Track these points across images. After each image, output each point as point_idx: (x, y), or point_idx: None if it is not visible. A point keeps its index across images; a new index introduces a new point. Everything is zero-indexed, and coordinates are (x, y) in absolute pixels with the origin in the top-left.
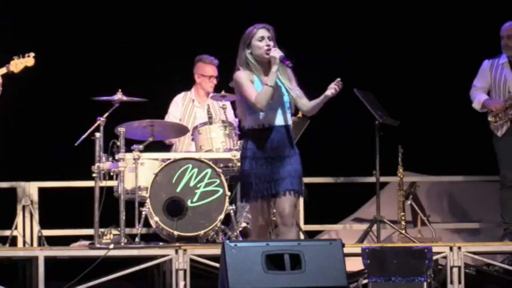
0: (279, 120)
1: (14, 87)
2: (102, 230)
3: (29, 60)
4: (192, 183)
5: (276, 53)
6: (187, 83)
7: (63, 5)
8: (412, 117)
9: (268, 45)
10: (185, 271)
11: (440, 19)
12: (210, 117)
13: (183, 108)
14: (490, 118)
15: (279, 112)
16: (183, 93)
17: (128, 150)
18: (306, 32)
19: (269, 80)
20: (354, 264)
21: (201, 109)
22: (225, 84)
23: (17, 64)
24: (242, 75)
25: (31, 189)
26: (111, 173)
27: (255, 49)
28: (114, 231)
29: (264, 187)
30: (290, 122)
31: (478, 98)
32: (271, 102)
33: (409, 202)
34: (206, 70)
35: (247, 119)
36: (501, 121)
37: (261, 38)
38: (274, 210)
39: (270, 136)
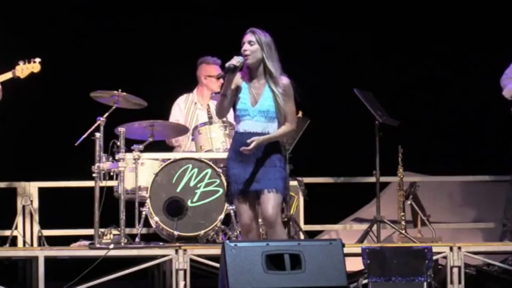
0: (255, 127)
1: (14, 87)
2: (102, 230)
3: (35, 66)
4: (192, 183)
5: (230, 61)
6: (188, 85)
7: (63, 5)
8: (412, 117)
9: (244, 50)
10: (185, 271)
11: (440, 19)
12: (210, 117)
13: (186, 110)
14: None
15: (256, 119)
16: (184, 95)
17: (128, 150)
18: (306, 32)
19: (222, 88)
20: (354, 264)
21: (204, 111)
22: None
23: (23, 70)
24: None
25: (31, 189)
26: (111, 173)
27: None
28: (114, 231)
29: (237, 187)
30: (270, 130)
31: (509, 87)
32: (251, 107)
33: (409, 202)
34: (211, 70)
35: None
36: None
37: (243, 43)
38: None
39: (244, 141)
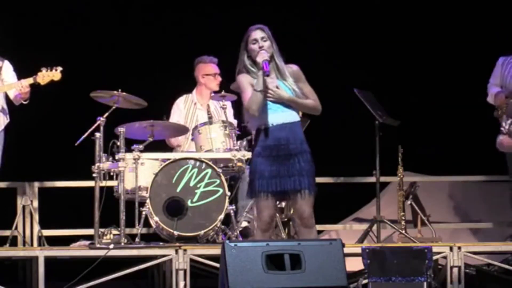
0: (281, 118)
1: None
2: (102, 230)
3: (56, 74)
4: (192, 183)
5: (260, 57)
6: (188, 85)
7: (63, 6)
8: (412, 117)
9: (260, 47)
10: (185, 271)
11: (440, 19)
12: (210, 117)
13: (185, 111)
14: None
15: (281, 110)
16: (184, 96)
17: (128, 150)
18: (306, 33)
19: (257, 84)
20: (354, 264)
21: (203, 112)
22: (225, 84)
23: (44, 77)
24: (241, 79)
25: (31, 189)
26: (111, 173)
27: (251, 52)
28: (114, 231)
29: (267, 183)
30: (295, 119)
31: (491, 92)
32: (270, 101)
33: (409, 202)
34: (209, 69)
35: (252, 119)
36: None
37: (255, 40)
38: (291, 211)
39: (274, 135)
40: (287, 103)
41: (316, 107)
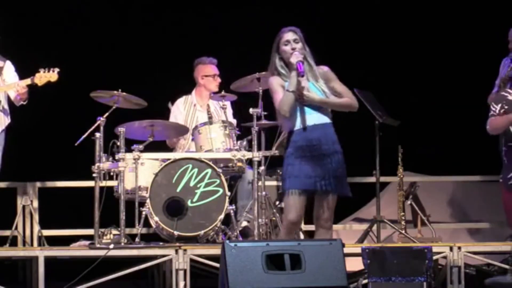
0: (313, 120)
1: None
2: (102, 230)
3: (53, 76)
4: (192, 183)
5: (294, 58)
6: (187, 85)
7: (63, 6)
8: (412, 117)
9: (293, 49)
10: (185, 271)
11: (440, 19)
12: (210, 117)
13: (185, 112)
14: None
15: (314, 111)
16: (183, 97)
17: (128, 150)
18: (306, 33)
19: (289, 85)
20: (354, 264)
21: (203, 113)
22: (225, 84)
23: (41, 77)
24: (273, 81)
25: (31, 189)
26: (111, 173)
27: (283, 53)
28: (114, 231)
29: (299, 182)
30: (327, 120)
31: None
32: (305, 102)
33: (409, 202)
34: (208, 70)
35: (284, 121)
36: None
37: (287, 42)
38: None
39: (307, 136)
40: (318, 105)
41: (351, 104)
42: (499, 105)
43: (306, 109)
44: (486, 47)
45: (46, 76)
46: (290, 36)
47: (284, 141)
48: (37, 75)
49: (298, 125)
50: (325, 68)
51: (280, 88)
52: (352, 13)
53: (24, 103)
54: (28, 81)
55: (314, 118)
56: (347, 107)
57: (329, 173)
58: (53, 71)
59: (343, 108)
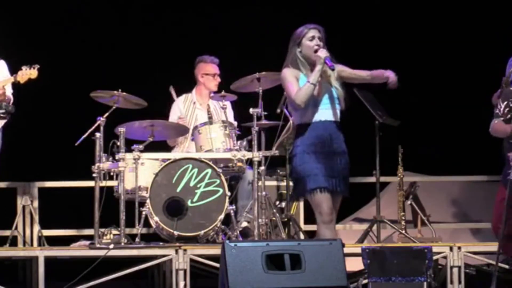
0: (327, 115)
1: (14, 87)
2: (102, 230)
3: (33, 72)
4: (192, 183)
5: (323, 53)
6: (187, 85)
7: (63, 6)
8: (412, 117)
9: (318, 45)
10: (185, 271)
11: (440, 19)
12: (210, 117)
13: (185, 110)
14: None
15: (327, 107)
16: (183, 96)
17: (128, 150)
18: None
19: (312, 77)
20: (354, 264)
21: (203, 111)
22: (225, 84)
23: (23, 75)
24: (287, 72)
25: (31, 189)
26: (111, 173)
27: (305, 48)
28: (114, 231)
29: (323, 179)
30: (338, 118)
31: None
32: (318, 97)
33: (409, 202)
34: (209, 69)
35: (295, 114)
36: None
37: (312, 37)
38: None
39: (318, 131)
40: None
41: (372, 72)
42: (505, 102)
43: (321, 104)
44: (487, 47)
45: (27, 73)
46: (315, 33)
47: (284, 141)
48: (19, 72)
49: (309, 118)
50: (339, 66)
51: (295, 80)
52: (352, 13)
53: (10, 107)
54: (11, 79)
55: (327, 114)
56: (369, 78)
57: (339, 173)
58: (34, 68)
59: (367, 80)
